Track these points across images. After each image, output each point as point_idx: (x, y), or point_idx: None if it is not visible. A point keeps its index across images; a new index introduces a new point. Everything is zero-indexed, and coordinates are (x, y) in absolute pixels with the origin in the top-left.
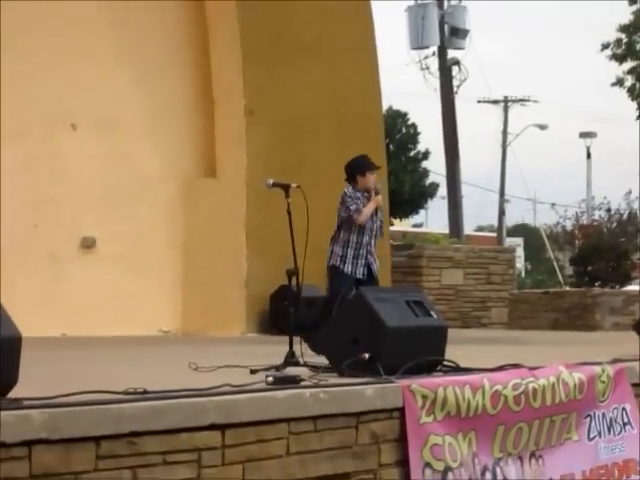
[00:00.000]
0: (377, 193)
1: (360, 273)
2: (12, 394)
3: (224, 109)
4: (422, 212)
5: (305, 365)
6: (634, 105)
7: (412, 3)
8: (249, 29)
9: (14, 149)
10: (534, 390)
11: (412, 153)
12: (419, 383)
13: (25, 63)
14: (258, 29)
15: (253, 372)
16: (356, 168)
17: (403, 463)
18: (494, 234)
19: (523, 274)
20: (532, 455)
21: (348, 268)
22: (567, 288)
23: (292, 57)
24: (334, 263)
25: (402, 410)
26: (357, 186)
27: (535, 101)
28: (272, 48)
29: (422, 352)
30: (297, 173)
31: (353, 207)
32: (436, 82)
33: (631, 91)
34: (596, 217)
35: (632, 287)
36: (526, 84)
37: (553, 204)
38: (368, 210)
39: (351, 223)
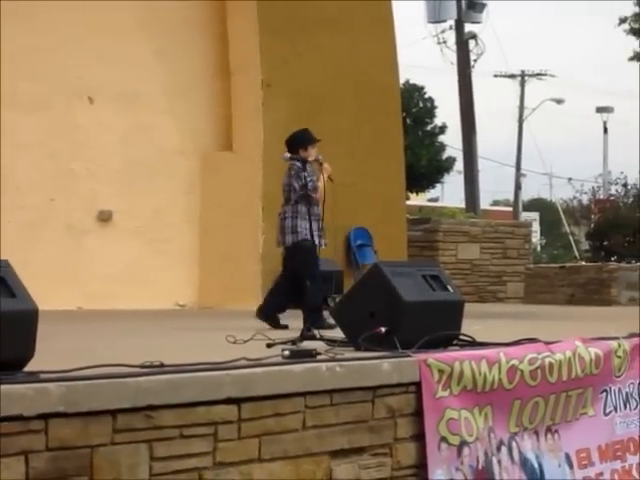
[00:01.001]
0: (321, 163)
1: (324, 243)
2: (29, 367)
3: (241, 82)
4: (438, 186)
5: (321, 339)
6: None
7: None
8: (267, 1)
9: (33, 121)
10: (550, 365)
11: (429, 127)
12: (436, 357)
13: (45, 36)
14: (277, 1)
15: (269, 346)
16: (299, 141)
17: (419, 437)
18: (510, 209)
19: (539, 249)
20: (548, 430)
21: (317, 241)
22: (583, 263)
23: (310, 30)
24: (305, 237)
25: (418, 384)
26: (300, 158)
27: (552, 75)
28: (290, 21)
29: (439, 326)
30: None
31: (311, 184)
32: (453, 56)
33: None
34: (612, 192)
35: None
36: (543, 58)
37: (570, 179)
38: (321, 183)
39: (309, 197)
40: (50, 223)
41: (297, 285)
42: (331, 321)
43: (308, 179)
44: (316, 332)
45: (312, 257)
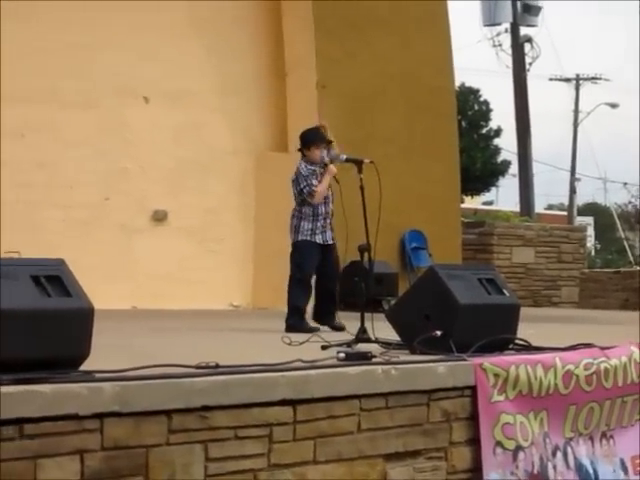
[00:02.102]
0: (331, 162)
1: (329, 238)
2: (84, 366)
3: (296, 82)
4: (493, 190)
5: (376, 341)
6: None
7: None
8: (322, 1)
9: (85, 120)
10: (606, 370)
11: (484, 130)
12: (491, 361)
13: (97, 34)
14: (331, 1)
15: (324, 348)
16: (304, 140)
17: (474, 442)
18: (564, 213)
19: (593, 253)
20: (603, 435)
21: (319, 238)
22: (638, 268)
23: (364, 30)
24: (303, 238)
25: (474, 388)
26: (307, 159)
27: (607, 79)
28: (344, 20)
29: (494, 330)
30: (368, 148)
31: (306, 190)
32: (508, 59)
33: None
34: None
35: None
36: (598, 61)
37: (625, 183)
38: (323, 186)
39: (305, 200)
40: (103, 222)
41: (324, 284)
42: (313, 325)
43: (304, 184)
44: (371, 335)
45: (305, 258)
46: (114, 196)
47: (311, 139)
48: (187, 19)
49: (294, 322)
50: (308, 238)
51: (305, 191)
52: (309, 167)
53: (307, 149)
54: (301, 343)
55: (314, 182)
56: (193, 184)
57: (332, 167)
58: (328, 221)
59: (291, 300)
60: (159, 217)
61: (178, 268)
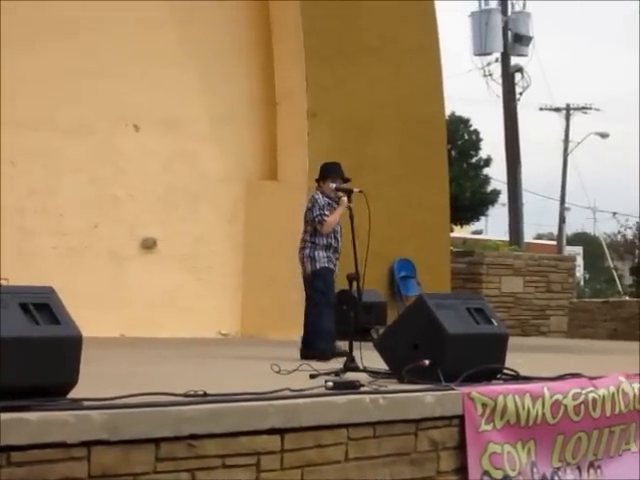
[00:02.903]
0: (340, 197)
1: (336, 274)
2: (72, 394)
3: (286, 110)
4: (482, 219)
5: (365, 370)
6: None
7: (476, 9)
8: (312, 29)
9: (76, 147)
10: (594, 400)
11: (474, 159)
12: (479, 391)
13: (88, 60)
14: (321, 29)
15: (313, 377)
16: (322, 173)
17: (461, 471)
18: (554, 242)
19: (582, 283)
20: (591, 465)
21: (332, 266)
22: (627, 298)
23: (355, 58)
24: (323, 265)
25: (462, 418)
26: (321, 189)
27: (597, 109)
28: (335, 49)
29: (482, 359)
30: (358, 176)
31: (318, 218)
32: (499, 89)
33: None
34: None
35: None
36: (588, 91)
37: (614, 213)
38: (334, 217)
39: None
40: (93, 249)
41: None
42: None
43: (317, 212)
44: (359, 364)
45: (328, 285)
46: (104, 223)
47: (329, 173)
48: (179, 47)
49: (328, 347)
50: (326, 265)
51: (317, 219)
52: (325, 198)
53: (323, 182)
54: (290, 372)
55: (327, 212)
56: (183, 212)
57: (344, 199)
58: (336, 255)
59: (322, 325)
60: (148, 245)
61: (167, 296)
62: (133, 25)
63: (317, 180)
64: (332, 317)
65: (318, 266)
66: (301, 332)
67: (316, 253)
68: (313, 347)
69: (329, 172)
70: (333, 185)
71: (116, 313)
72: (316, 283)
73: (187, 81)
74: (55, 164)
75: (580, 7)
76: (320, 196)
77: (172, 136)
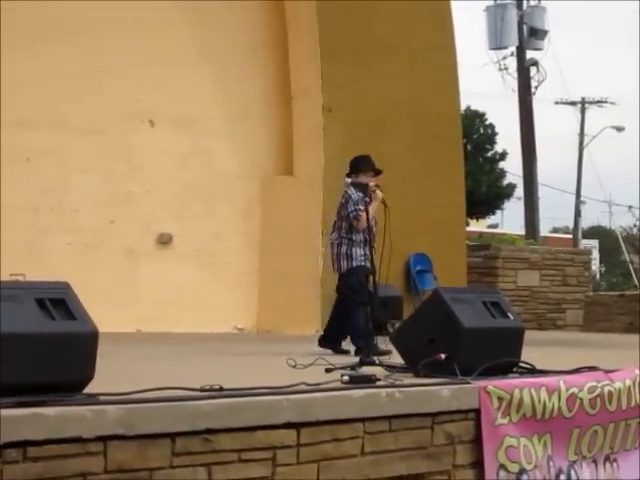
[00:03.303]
0: (373, 190)
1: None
2: (88, 389)
3: (302, 107)
4: (498, 213)
5: (381, 365)
6: None
7: (491, 3)
8: (328, 27)
9: (92, 145)
10: (610, 393)
11: (489, 154)
12: (495, 384)
13: (104, 60)
14: (337, 27)
15: (328, 371)
16: (354, 166)
17: (478, 464)
18: (570, 236)
19: (598, 276)
20: (607, 459)
21: (367, 264)
22: None
23: (370, 55)
24: (359, 264)
25: (478, 411)
26: (354, 184)
27: (612, 103)
28: (350, 46)
29: (498, 353)
30: None
31: (353, 214)
32: (514, 83)
33: None
34: None
35: None
36: (604, 85)
37: (630, 206)
38: (371, 212)
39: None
40: (109, 246)
41: (344, 311)
42: (384, 347)
43: (352, 208)
44: (375, 358)
45: (362, 283)
46: (120, 220)
47: (361, 166)
48: (194, 46)
49: (361, 343)
50: (362, 264)
51: (352, 215)
52: (359, 193)
53: (356, 175)
54: (306, 366)
55: (361, 207)
56: (199, 208)
57: (379, 192)
58: (368, 250)
59: (354, 323)
60: (164, 240)
61: (183, 292)
62: (148, 25)
63: (348, 174)
64: (363, 315)
65: (354, 264)
66: (321, 326)
67: (353, 250)
68: (353, 343)
69: (361, 165)
70: (349, 180)
71: (132, 309)
72: (351, 281)
73: (202, 80)
74: (69, 162)
75: (592, 4)
76: (353, 191)
77: (187, 134)
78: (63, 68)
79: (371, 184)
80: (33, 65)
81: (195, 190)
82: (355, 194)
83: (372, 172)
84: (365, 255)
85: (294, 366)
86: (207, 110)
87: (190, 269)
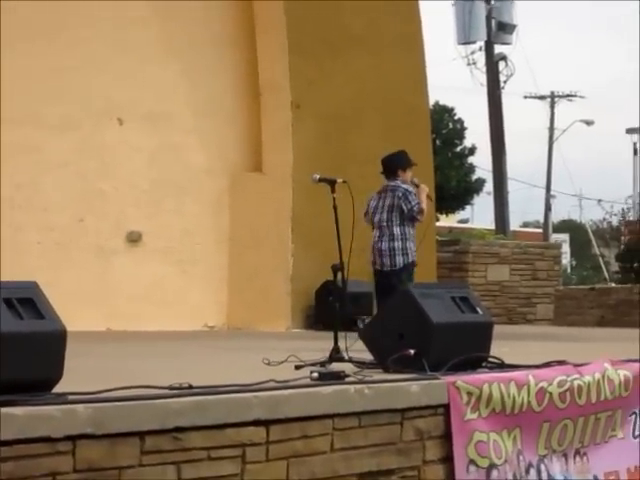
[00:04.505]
0: (417, 185)
1: None
2: (57, 389)
3: (270, 102)
4: (468, 208)
5: (350, 361)
6: None
7: None
8: (296, 21)
9: (62, 142)
10: (579, 387)
11: (458, 148)
12: (464, 379)
13: (73, 56)
14: (305, 21)
15: (298, 368)
16: (401, 163)
17: (447, 460)
18: (540, 230)
19: (569, 270)
20: (577, 452)
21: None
22: (613, 284)
23: (339, 50)
24: (414, 259)
25: (447, 407)
26: (401, 179)
27: (582, 96)
28: (319, 40)
29: (467, 348)
30: (343, 167)
31: (417, 207)
32: (483, 77)
33: None
34: None
35: None
36: (573, 79)
37: (599, 200)
38: (425, 205)
39: (414, 219)
40: (79, 244)
41: None
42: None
43: (414, 202)
44: (345, 354)
45: (412, 279)
46: (90, 218)
47: (406, 162)
48: (162, 40)
49: None
50: (415, 259)
51: (416, 208)
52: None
53: (403, 170)
54: (280, 363)
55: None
56: (168, 205)
57: (424, 186)
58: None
59: None
60: (134, 238)
61: (153, 289)
62: (117, 22)
63: (393, 172)
64: None
65: (411, 259)
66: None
67: (407, 245)
68: None
69: (408, 161)
70: (317, 176)
71: (102, 307)
72: (404, 276)
73: (171, 76)
74: (40, 159)
75: None
76: (406, 185)
77: (156, 130)
78: (35, 66)
79: (339, 180)
80: (5, 63)
81: (164, 187)
82: (410, 188)
83: (412, 166)
84: (416, 251)
85: (268, 364)
86: (176, 106)
87: (160, 266)
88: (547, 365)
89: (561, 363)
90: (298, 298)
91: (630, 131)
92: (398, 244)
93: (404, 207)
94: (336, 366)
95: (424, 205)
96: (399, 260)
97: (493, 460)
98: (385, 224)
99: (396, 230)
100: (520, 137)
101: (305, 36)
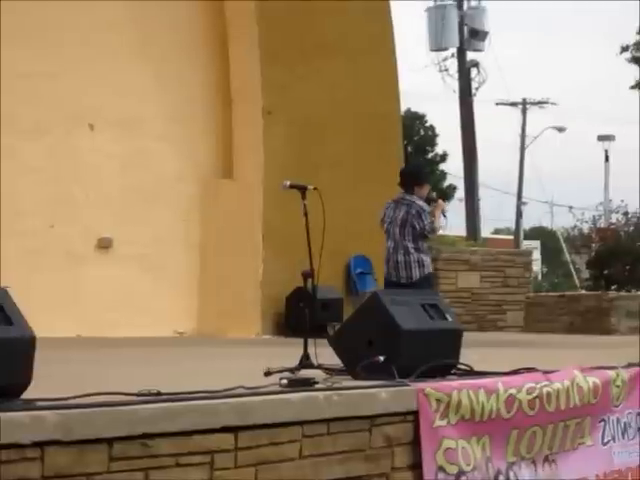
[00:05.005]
0: (435, 200)
1: None
2: (26, 395)
3: (242, 109)
4: None
5: (319, 367)
6: None
7: (431, 4)
8: (268, 28)
9: (33, 147)
10: (548, 394)
11: (430, 155)
12: (434, 386)
13: (45, 61)
14: (277, 28)
15: (267, 374)
16: (417, 179)
17: (416, 467)
18: (511, 237)
19: (540, 277)
20: (546, 459)
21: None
22: (583, 291)
23: (311, 56)
24: (430, 271)
25: (416, 413)
26: (415, 195)
27: (553, 103)
28: (290, 47)
29: (437, 355)
30: (314, 174)
31: (429, 226)
32: (455, 84)
33: None
34: (613, 220)
35: None
36: (544, 86)
37: (570, 207)
38: (438, 222)
39: (425, 236)
40: (50, 250)
41: None
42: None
43: (428, 221)
44: (314, 361)
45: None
46: (60, 223)
47: (423, 177)
48: (135, 46)
49: None
50: (431, 270)
51: (428, 227)
52: (424, 204)
53: (420, 186)
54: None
55: (431, 218)
56: (139, 211)
57: (441, 202)
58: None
59: None
60: (104, 244)
61: (123, 296)
62: (90, 27)
63: (411, 185)
64: None
65: (426, 272)
66: (262, 329)
67: (422, 257)
68: None
69: (426, 175)
70: (287, 183)
71: (72, 313)
72: (426, 287)
73: (143, 82)
74: (11, 164)
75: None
76: (422, 202)
77: (128, 136)
78: (6, 70)
79: (310, 187)
80: None
81: (136, 193)
82: (425, 205)
83: (429, 183)
84: (430, 263)
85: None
86: (148, 112)
87: (130, 273)
88: (516, 372)
89: (530, 370)
90: (268, 304)
91: (602, 138)
92: (413, 257)
93: (417, 225)
94: (305, 373)
95: (437, 223)
96: (415, 272)
97: (462, 467)
98: (398, 237)
99: (409, 245)
100: (492, 144)
101: (277, 43)
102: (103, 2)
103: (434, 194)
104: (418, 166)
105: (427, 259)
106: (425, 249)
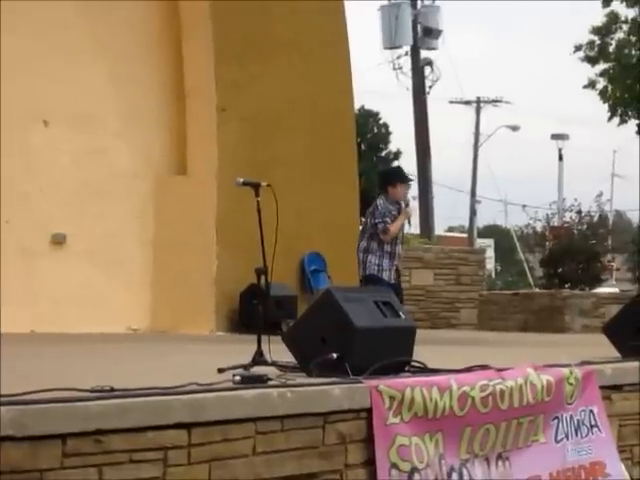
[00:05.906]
0: (407, 205)
1: (393, 278)
2: None
3: (196, 106)
4: None
5: (273, 364)
6: (606, 107)
7: (385, 2)
8: (222, 26)
9: None
10: (501, 392)
11: (383, 153)
12: (387, 384)
13: (2, 58)
14: (231, 26)
15: (220, 371)
16: (388, 178)
17: (370, 463)
18: (465, 235)
19: (493, 275)
20: (499, 457)
21: (385, 275)
22: (537, 290)
23: (265, 54)
24: (372, 272)
25: (369, 410)
26: (388, 196)
27: (507, 102)
28: (244, 45)
29: (390, 352)
30: (269, 171)
31: (381, 226)
32: (408, 82)
33: (603, 94)
34: (567, 219)
35: (602, 289)
36: (499, 85)
37: (524, 205)
38: (396, 226)
39: (377, 235)
40: (3, 245)
41: None
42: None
43: (377, 220)
44: (268, 357)
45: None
46: (14, 219)
47: (397, 176)
48: (89, 42)
49: None
50: (375, 273)
51: (379, 227)
52: (388, 205)
53: (393, 186)
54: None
55: (388, 220)
56: (93, 207)
57: (407, 209)
58: (395, 262)
59: None
60: (58, 240)
61: (77, 292)
62: (44, 23)
63: (384, 186)
64: None
65: (368, 272)
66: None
67: (368, 258)
68: None
69: (399, 176)
70: (240, 180)
71: (26, 309)
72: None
73: (97, 78)
74: None
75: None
76: (382, 201)
77: (82, 132)
78: None
79: (263, 184)
80: None
81: (89, 189)
82: (383, 205)
83: (406, 183)
84: (378, 266)
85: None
86: (102, 109)
87: (84, 269)
88: (470, 369)
89: (484, 368)
90: (222, 301)
91: (555, 137)
92: (360, 255)
93: (368, 221)
94: (259, 369)
95: (394, 226)
96: (360, 271)
97: (415, 464)
98: (360, 232)
99: (362, 243)
100: (446, 142)
101: (231, 40)
102: (60, 0)
103: (409, 199)
104: (390, 168)
105: (373, 260)
106: (375, 250)
